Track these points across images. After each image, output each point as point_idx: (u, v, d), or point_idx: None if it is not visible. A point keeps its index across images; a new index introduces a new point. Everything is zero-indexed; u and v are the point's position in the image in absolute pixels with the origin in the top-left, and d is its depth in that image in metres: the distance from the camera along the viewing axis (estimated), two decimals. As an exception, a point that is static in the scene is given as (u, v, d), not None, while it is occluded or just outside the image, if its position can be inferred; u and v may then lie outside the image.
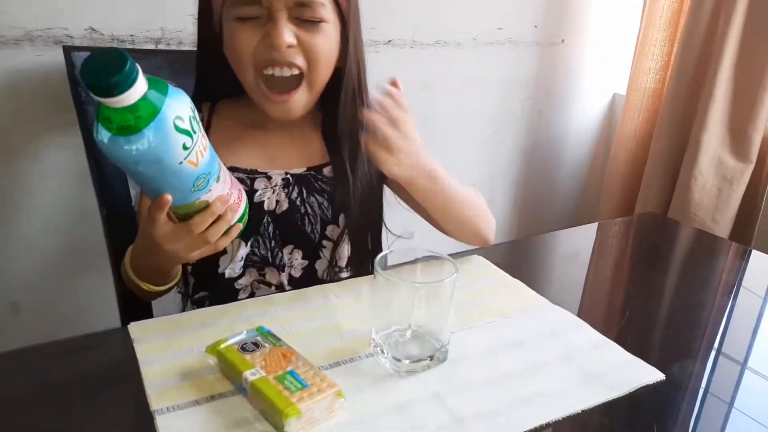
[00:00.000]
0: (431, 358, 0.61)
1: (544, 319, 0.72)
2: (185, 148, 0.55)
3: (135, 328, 0.64)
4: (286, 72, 0.73)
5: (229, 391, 0.56)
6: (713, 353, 0.73)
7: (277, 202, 0.81)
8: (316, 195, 0.83)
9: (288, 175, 0.82)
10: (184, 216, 0.63)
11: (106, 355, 0.63)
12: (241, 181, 0.78)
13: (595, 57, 1.70)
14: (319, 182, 0.83)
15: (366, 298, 0.73)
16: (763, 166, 1.48)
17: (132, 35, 1.05)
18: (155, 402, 0.54)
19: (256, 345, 0.57)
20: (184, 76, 1.01)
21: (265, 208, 0.81)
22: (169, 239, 0.63)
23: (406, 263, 0.65)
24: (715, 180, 1.48)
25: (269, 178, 0.81)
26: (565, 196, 1.83)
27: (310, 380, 0.53)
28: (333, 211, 0.84)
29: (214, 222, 0.63)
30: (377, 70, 0.84)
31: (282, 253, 0.82)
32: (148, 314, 1.00)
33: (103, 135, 0.52)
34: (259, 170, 0.81)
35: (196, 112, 0.57)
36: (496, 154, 1.64)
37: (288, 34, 0.71)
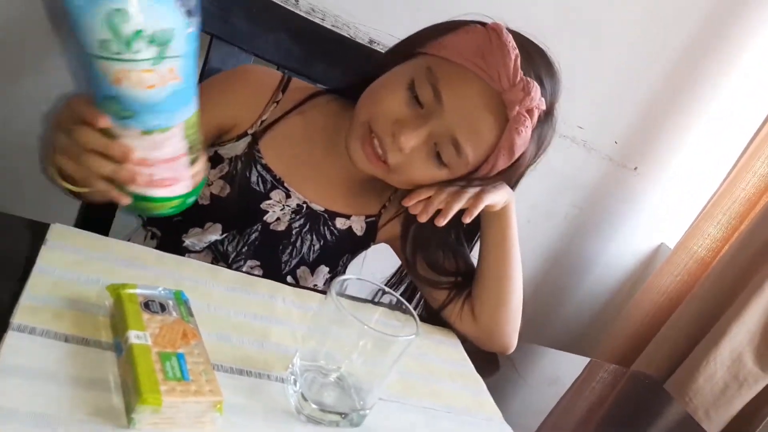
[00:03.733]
0: (344, 415, 0.51)
1: (488, 432, 0.61)
2: (105, 48, 0.42)
3: (56, 231, 0.56)
4: (378, 149, 0.68)
5: (107, 344, 0.47)
6: None
7: (278, 219, 0.75)
8: (314, 236, 0.77)
9: (305, 205, 0.76)
10: None
11: (9, 243, 0.55)
12: (262, 180, 0.73)
13: (659, 199, 1.61)
14: (325, 227, 0.78)
15: (312, 318, 0.64)
16: (781, 383, 1.35)
17: (225, -37, 1.00)
18: (20, 315, 0.45)
19: (163, 308, 0.48)
20: (260, 24, 0.96)
21: (264, 218, 0.75)
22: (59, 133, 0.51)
23: (368, 301, 0.56)
24: (727, 375, 1.36)
25: (288, 196, 0.75)
26: (570, 318, 1.71)
27: (195, 376, 0.44)
28: (317, 258, 0.78)
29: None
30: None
31: (245, 263, 0.76)
32: (109, 219, 0.93)
33: None
34: (285, 184, 0.75)
35: (165, 44, 0.44)
36: (521, 244, 1.55)
37: (413, 144, 0.65)
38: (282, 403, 0.51)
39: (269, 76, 0.77)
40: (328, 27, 1.09)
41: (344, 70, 1.00)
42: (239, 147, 0.73)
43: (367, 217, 0.80)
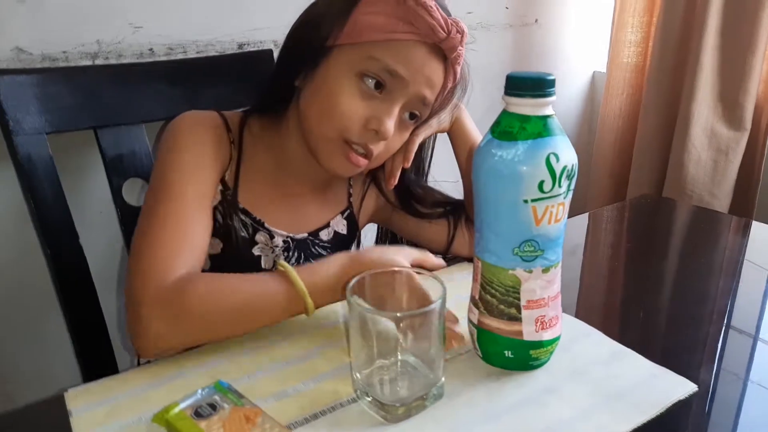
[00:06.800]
0: (425, 397, 0.52)
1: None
2: (541, 188, 0.49)
3: (72, 397, 0.54)
4: (360, 149, 0.69)
5: (184, 467, 0.46)
6: (750, 343, 0.64)
7: (275, 262, 0.74)
8: (311, 260, 0.77)
9: (289, 239, 0.75)
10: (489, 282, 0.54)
11: (38, 432, 0.53)
12: (243, 225, 0.72)
13: (572, 35, 1.62)
14: (316, 247, 0.78)
15: (344, 325, 0.64)
16: (758, 132, 1.40)
17: (65, 52, 0.94)
18: (91, 493, 0.44)
19: (213, 407, 0.47)
20: (129, 90, 0.91)
21: (262, 264, 0.74)
22: None
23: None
24: (710, 152, 1.41)
25: (271, 237, 0.74)
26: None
27: (279, 446, 0.43)
28: None
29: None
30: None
31: None
32: (111, 360, 0.90)
33: (486, 137, 0.52)
34: (266, 225, 0.74)
35: (573, 177, 0.51)
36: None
37: (393, 126, 0.67)
38: (368, 417, 0.51)
39: (213, 117, 0.73)
40: (194, 56, 1.05)
41: (232, 85, 0.97)
42: (215, 198, 0.70)
43: (342, 213, 0.80)
